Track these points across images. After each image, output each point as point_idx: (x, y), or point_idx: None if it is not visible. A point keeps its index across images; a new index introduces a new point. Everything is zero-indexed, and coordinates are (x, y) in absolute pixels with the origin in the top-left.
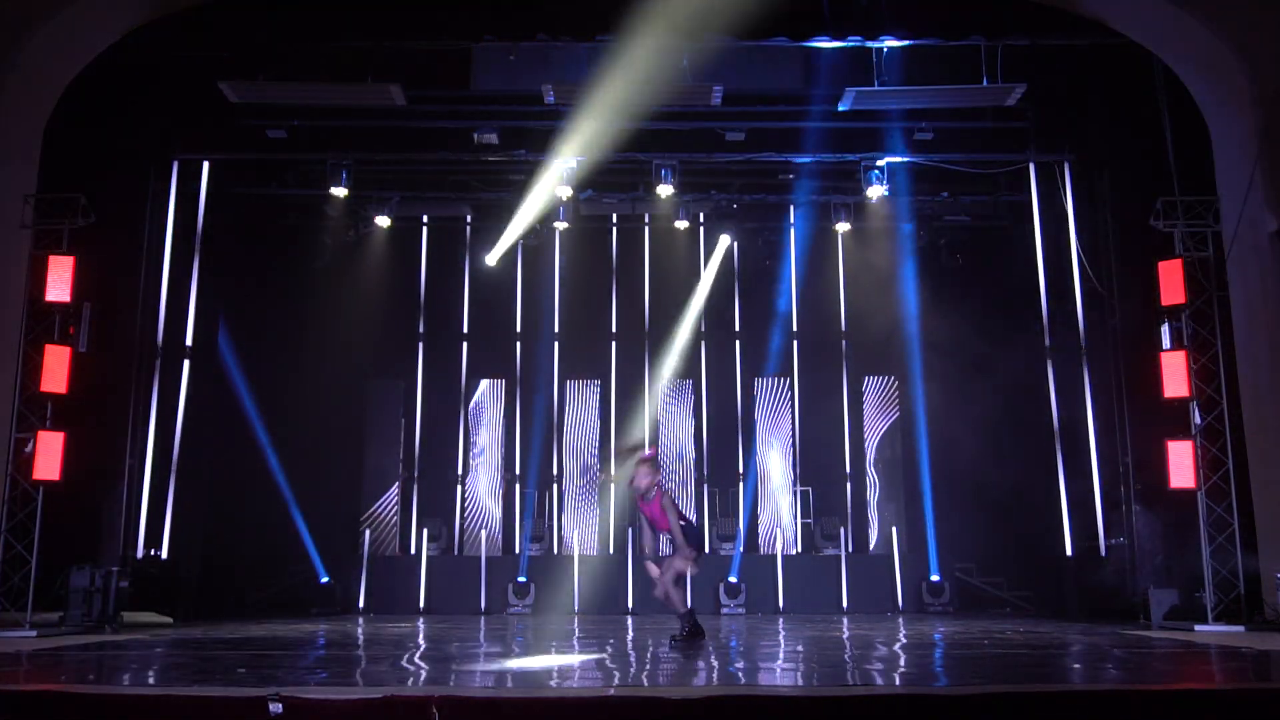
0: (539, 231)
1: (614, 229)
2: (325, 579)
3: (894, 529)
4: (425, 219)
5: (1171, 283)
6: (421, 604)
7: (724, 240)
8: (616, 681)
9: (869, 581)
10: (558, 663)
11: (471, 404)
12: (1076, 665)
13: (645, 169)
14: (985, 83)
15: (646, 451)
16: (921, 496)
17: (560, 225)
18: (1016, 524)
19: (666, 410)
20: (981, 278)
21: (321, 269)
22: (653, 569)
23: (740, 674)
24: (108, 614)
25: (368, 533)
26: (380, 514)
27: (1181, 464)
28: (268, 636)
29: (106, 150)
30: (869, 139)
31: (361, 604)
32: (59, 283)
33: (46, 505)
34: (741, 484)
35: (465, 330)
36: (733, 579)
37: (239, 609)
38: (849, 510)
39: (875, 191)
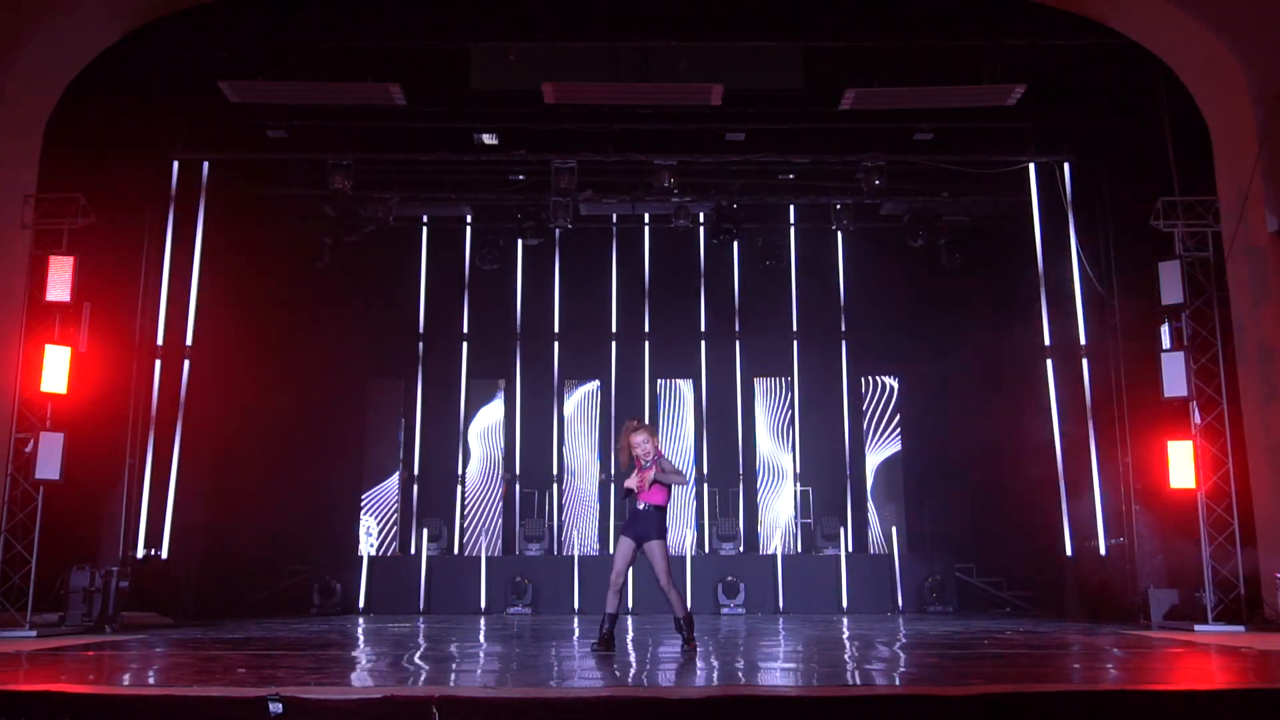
0: (539, 231)
1: (614, 229)
2: (326, 578)
3: (894, 529)
4: (425, 219)
5: (1171, 283)
6: (421, 604)
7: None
8: (616, 681)
9: (869, 581)
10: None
11: (471, 404)
12: (1076, 665)
13: (645, 169)
14: (985, 83)
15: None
16: (921, 496)
17: (560, 225)
18: (1017, 525)
19: (666, 410)
20: (981, 278)
21: (321, 269)
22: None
23: (740, 674)
24: (108, 614)
25: (368, 533)
26: (380, 514)
27: (1181, 464)
28: (268, 636)
29: (106, 151)
30: (869, 139)
31: (361, 604)
32: (59, 283)
33: (46, 505)
34: (741, 484)
35: (465, 330)
36: (732, 578)
37: (239, 609)
38: (849, 510)
39: (875, 191)
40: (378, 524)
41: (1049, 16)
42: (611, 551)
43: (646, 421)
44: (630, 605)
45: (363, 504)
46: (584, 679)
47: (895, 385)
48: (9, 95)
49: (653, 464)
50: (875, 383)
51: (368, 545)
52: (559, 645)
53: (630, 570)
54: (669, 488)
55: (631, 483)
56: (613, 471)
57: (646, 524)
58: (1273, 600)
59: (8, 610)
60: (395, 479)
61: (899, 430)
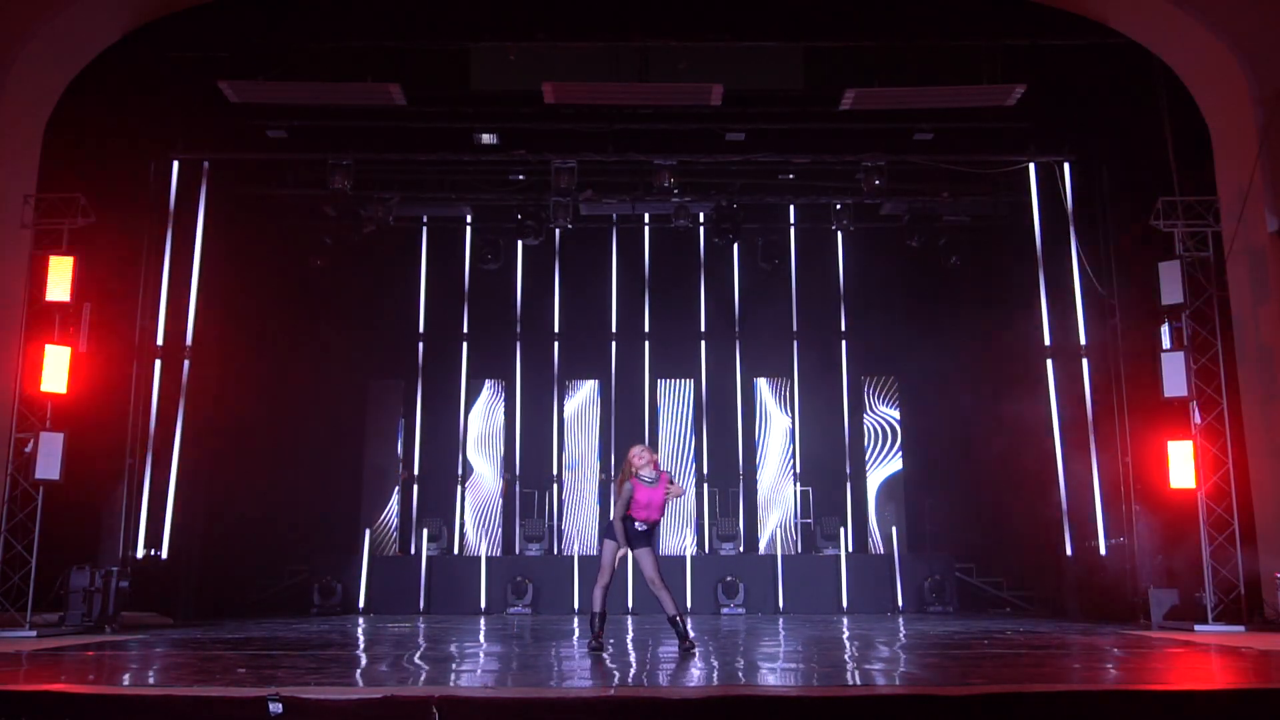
0: (539, 231)
1: (614, 229)
2: (326, 579)
3: (894, 529)
4: (425, 219)
5: (1171, 283)
6: (421, 604)
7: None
8: (616, 681)
9: (869, 581)
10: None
11: (471, 404)
12: (1076, 665)
13: (645, 169)
14: (985, 83)
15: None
16: (921, 496)
17: (560, 225)
18: (1017, 524)
19: (666, 410)
20: (981, 278)
21: (322, 269)
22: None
23: (740, 674)
24: (108, 614)
25: (368, 533)
26: (380, 514)
27: (1181, 464)
28: (268, 636)
29: (106, 150)
30: (869, 139)
31: (361, 604)
32: (59, 283)
33: (46, 505)
34: (741, 484)
35: (465, 330)
36: (732, 579)
37: (239, 609)
38: (849, 510)
39: (875, 191)
40: (377, 524)
41: (1049, 16)
42: None
43: (645, 426)
44: (630, 605)
45: (362, 504)
46: (584, 679)
47: (894, 385)
48: (9, 95)
49: (662, 481)
50: (875, 382)
51: (367, 546)
52: (559, 645)
53: (629, 570)
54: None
55: (673, 490)
56: (612, 475)
57: (637, 535)
58: (1273, 600)
59: (8, 610)
60: (395, 479)
61: (899, 430)
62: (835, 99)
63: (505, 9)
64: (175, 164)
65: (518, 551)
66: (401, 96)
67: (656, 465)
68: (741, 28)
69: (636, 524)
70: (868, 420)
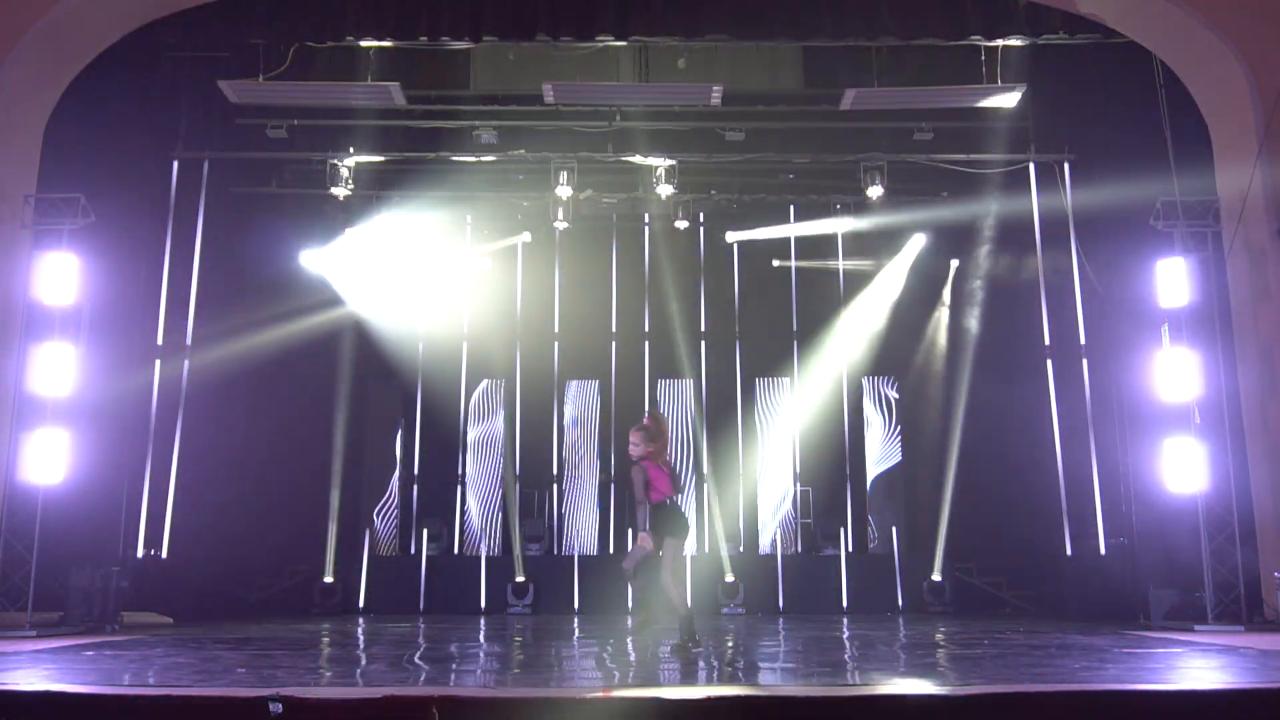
0: (539, 231)
1: (614, 229)
2: (326, 579)
3: (894, 529)
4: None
5: (1171, 283)
6: (421, 604)
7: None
8: (616, 681)
9: (869, 581)
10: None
11: (471, 403)
12: (1076, 665)
13: (645, 169)
14: (985, 83)
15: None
16: (921, 496)
17: (560, 225)
18: (1016, 524)
19: (666, 410)
20: (981, 278)
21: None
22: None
23: (740, 674)
24: (108, 614)
25: (368, 533)
26: (380, 514)
27: (1181, 464)
28: (268, 636)
29: (106, 150)
30: (869, 139)
31: (361, 604)
32: (59, 283)
33: (46, 505)
34: (740, 484)
35: (466, 330)
36: (731, 578)
37: (239, 609)
38: (849, 510)
39: (875, 191)
40: (377, 524)
41: (1049, 16)
42: (613, 551)
43: (645, 420)
44: (630, 605)
45: (362, 504)
46: (584, 679)
47: (894, 385)
48: (9, 95)
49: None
50: (875, 382)
51: (367, 545)
52: (559, 645)
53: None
54: (654, 485)
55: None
56: (612, 475)
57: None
58: (1273, 600)
59: (8, 610)
60: (395, 479)
61: (899, 430)
62: (835, 99)
63: (505, 9)
64: (175, 164)
65: (517, 551)
66: (401, 96)
67: (632, 451)
68: (741, 28)
69: (668, 500)
70: (867, 420)
